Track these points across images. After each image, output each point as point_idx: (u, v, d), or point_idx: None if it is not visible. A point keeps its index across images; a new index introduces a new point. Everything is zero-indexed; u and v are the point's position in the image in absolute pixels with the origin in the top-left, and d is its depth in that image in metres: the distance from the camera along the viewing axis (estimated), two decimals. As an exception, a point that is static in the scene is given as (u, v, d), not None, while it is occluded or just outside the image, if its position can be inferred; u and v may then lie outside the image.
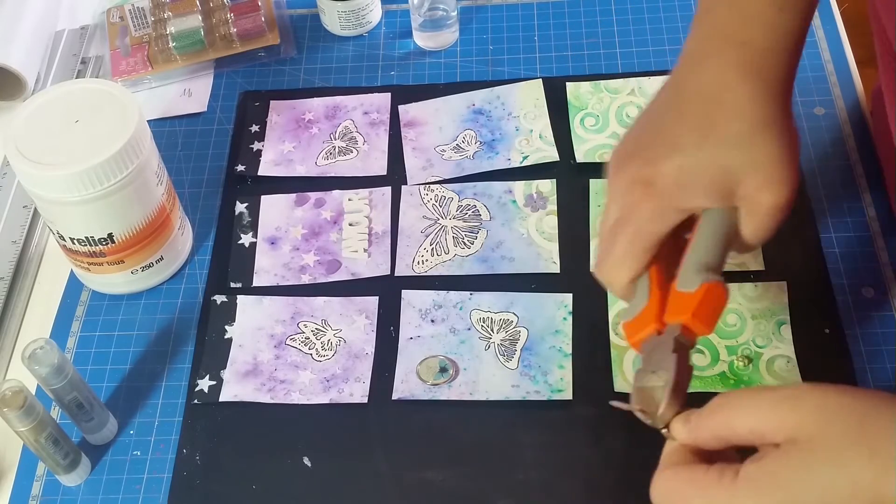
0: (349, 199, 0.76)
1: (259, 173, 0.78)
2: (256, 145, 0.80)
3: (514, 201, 0.75)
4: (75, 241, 0.67)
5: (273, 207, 0.76)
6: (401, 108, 0.82)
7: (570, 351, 0.66)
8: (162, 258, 0.71)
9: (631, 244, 0.53)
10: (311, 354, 0.68)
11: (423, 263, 0.72)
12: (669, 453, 0.49)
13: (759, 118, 0.51)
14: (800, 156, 0.53)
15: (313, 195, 0.77)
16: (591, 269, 0.57)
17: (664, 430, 0.50)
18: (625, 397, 0.64)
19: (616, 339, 0.66)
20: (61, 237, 0.68)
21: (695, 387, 0.64)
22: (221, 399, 0.66)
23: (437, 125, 0.80)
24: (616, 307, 0.68)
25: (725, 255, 0.53)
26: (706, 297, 0.50)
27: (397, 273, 0.72)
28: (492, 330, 0.68)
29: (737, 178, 0.51)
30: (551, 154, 0.77)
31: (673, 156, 0.52)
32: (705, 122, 0.52)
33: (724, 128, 0.52)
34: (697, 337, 0.51)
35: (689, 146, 0.52)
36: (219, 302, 0.71)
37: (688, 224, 0.54)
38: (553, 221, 0.73)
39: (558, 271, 0.70)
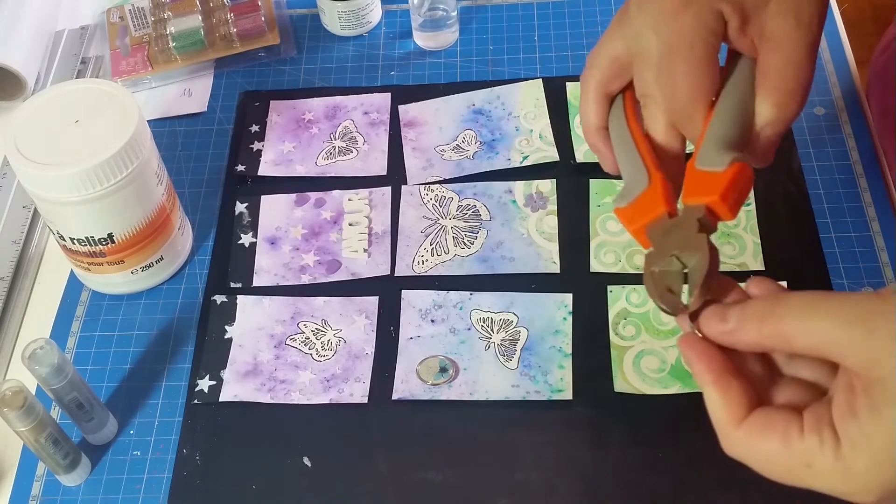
0: (349, 199, 0.76)
1: (259, 173, 0.78)
2: (256, 145, 0.80)
3: (514, 201, 0.75)
4: (75, 241, 0.67)
5: (273, 207, 0.76)
6: (401, 108, 0.82)
7: (570, 351, 0.66)
8: (162, 258, 0.71)
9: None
10: (311, 354, 0.68)
11: (423, 263, 0.72)
12: (728, 401, 0.43)
13: None
14: None
15: (313, 195, 0.77)
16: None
17: (687, 322, 0.44)
18: (625, 397, 0.64)
19: (616, 338, 0.66)
20: (61, 237, 0.68)
21: (694, 386, 0.64)
22: (221, 399, 0.66)
23: (437, 125, 0.80)
24: (616, 307, 0.68)
25: (747, 139, 0.48)
26: (736, 178, 0.45)
27: (397, 273, 0.72)
28: (492, 330, 0.68)
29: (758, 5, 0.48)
30: (551, 154, 0.77)
31: None
32: None
33: None
34: (718, 222, 0.46)
35: None
36: (219, 302, 0.71)
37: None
38: (553, 221, 0.73)
39: (558, 271, 0.70)
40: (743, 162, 0.46)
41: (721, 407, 0.43)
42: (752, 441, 0.42)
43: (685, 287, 0.45)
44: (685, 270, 0.44)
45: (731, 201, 0.45)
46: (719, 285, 0.45)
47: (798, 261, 0.70)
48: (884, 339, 0.39)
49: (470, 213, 0.74)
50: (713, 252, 0.44)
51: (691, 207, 0.46)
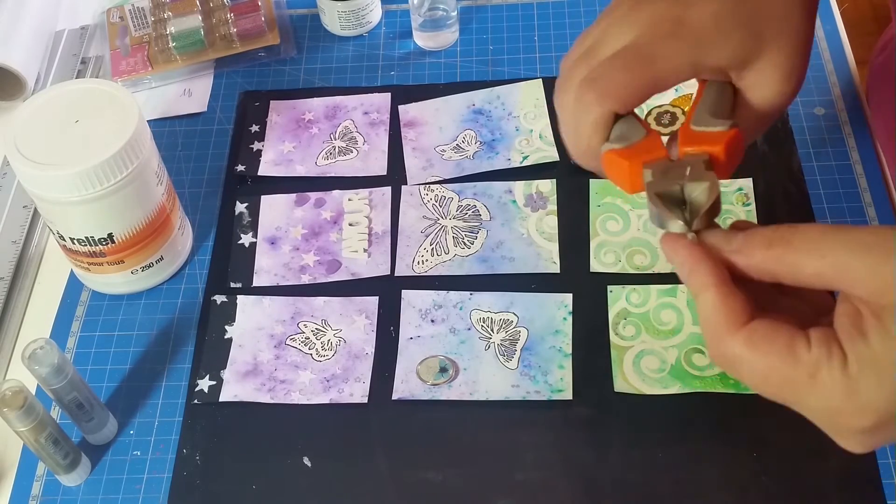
0: (349, 199, 0.76)
1: (259, 173, 0.78)
2: (256, 145, 0.80)
3: (514, 201, 0.75)
4: (75, 241, 0.67)
5: (273, 207, 0.76)
6: (401, 108, 0.82)
7: (570, 351, 0.66)
8: (162, 258, 0.71)
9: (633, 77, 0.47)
10: (311, 354, 0.68)
11: (423, 263, 0.72)
12: (729, 306, 0.42)
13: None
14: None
15: (313, 195, 0.77)
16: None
17: (689, 234, 0.43)
18: (624, 397, 0.64)
19: (616, 338, 0.66)
20: (61, 237, 0.68)
21: (694, 386, 0.64)
22: (221, 399, 0.66)
23: (437, 125, 0.80)
24: (616, 307, 0.68)
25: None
26: (736, 139, 0.45)
27: (397, 273, 0.72)
28: (492, 330, 0.68)
29: (762, 46, 0.47)
30: (551, 154, 0.77)
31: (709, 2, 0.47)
32: None
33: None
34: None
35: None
36: (219, 302, 0.71)
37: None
38: (553, 221, 0.73)
39: (558, 271, 0.70)
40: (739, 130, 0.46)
41: (720, 311, 0.42)
42: (754, 347, 0.41)
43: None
44: (680, 192, 0.44)
45: (730, 159, 0.45)
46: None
47: (798, 261, 0.69)
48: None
49: (470, 213, 0.74)
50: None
51: (693, 154, 0.46)
